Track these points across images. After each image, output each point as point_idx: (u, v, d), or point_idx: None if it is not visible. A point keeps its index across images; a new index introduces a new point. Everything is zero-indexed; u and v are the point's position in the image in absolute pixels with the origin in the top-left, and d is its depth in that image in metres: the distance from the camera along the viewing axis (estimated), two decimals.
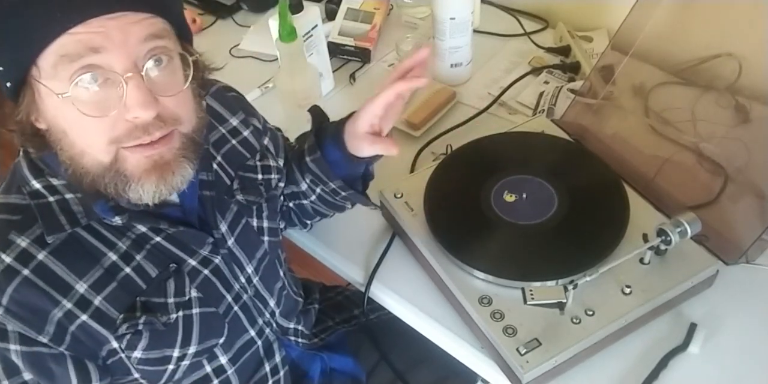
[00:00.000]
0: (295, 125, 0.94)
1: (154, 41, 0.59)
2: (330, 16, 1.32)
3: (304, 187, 0.88)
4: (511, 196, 0.86)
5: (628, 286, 0.77)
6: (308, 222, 0.95)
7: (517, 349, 0.74)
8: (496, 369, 0.79)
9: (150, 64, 0.59)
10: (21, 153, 0.68)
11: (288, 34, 1.00)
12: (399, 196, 0.91)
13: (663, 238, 0.77)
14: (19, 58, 0.57)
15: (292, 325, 0.90)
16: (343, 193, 0.85)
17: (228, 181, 0.79)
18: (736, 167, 0.83)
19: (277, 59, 1.15)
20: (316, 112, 0.88)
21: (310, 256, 0.99)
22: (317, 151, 0.84)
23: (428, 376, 1.01)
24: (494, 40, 1.27)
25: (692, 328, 0.80)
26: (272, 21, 1.06)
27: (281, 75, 1.07)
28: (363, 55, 1.25)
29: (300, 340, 0.93)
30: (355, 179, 0.86)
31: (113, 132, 0.59)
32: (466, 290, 0.80)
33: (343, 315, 1.03)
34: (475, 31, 1.18)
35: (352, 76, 1.22)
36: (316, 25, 1.10)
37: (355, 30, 1.25)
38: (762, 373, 0.76)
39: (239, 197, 0.80)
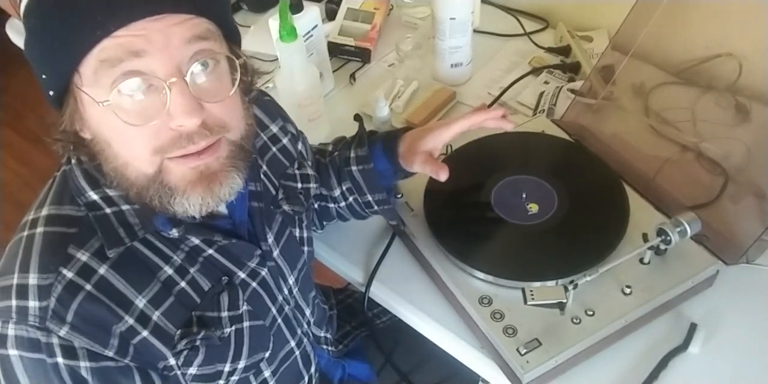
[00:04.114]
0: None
1: (199, 43, 0.56)
2: (330, 16, 1.32)
3: (336, 193, 0.88)
4: (533, 205, 0.85)
5: (628, 286, 0.77)
6: (325, 223, 0.95)
7: (517, 350, 0.74)
8: (497, 369, 0.79)
9: (195, 68, 0.56)
10: (73, 161, 0.65)
11: (288, 34, 1.00)
12: (399, 196, 0.91)
13: (663, 237, 0.77)
14: (61, 64, 0.55)
15: (323, 334, 0.90)
16: (377, 208, 0.85)
17: (273, 191, 0.78)
18: (736, 167, 0.83)
19: (277, 59, 1.15)
20: (362, 121, 0.87)
21: None
22: (370, 163, 0.82)
23: (431, 377, 1.01)
24: (494, 40, 1.26)
25: (692, 328, 0.79)
26: (272, 21, 1.06)
27: (281, 75, 1.06)
28: (363, 55, 1.25)
29: (330, 348, 0.92)
30: (389, 191, 0.86)
31: (157, 141, 0.56)
32: (466, 290, 0.80)
33: (358, 318, 1.03)
34: (475, 31, 1.18)
35: (352, 76, 1.22)
36: (316, 25, 1.10)
37: (355, 30, 1.25)
38: (762, 373, 0.76)
39: (285, 207, 0.78)
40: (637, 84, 0.93)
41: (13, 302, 0.59)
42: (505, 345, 0.74)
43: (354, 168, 0.84)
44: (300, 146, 0.86)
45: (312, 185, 0.85)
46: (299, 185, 0.83)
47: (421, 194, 0.89)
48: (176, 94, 0.55)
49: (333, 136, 0.95)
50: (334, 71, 1.21)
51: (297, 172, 0.83)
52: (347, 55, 1.26)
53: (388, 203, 0.85)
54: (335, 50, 1.24)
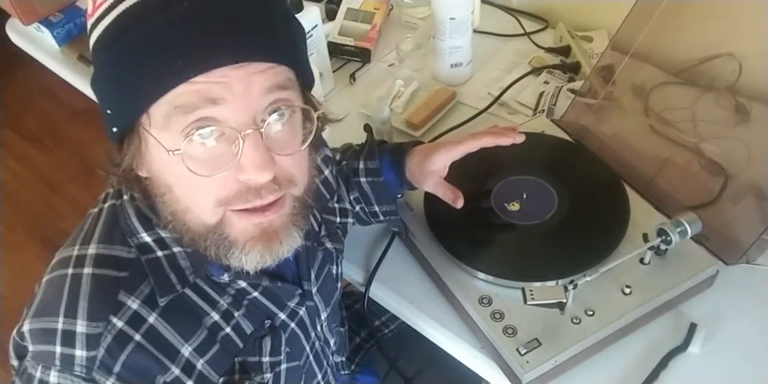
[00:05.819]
0: None
1: (278, 93, 0.53)
2: (330, 16, 1.31)
3: (345, 203, 0.86)
4: (515, 204, 0.85)
5: (628, 286, 0.77)
6: None
7: (517, 350, 0.74)
8: (497, 369, 0.79)
9: (271, 118, 0.53)
10: (125, 197, 0.62)
11: None
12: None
13: (663, 238, 0.77)
14: (131, 104, 0.52)
15: (340, 359, 0.89)
16: (383, 218, 0.84)
17: (317, 227, 0.76)
18: (736, 167, 0.83)
19: None
20: (371, 131, 0.86)
21: None
22: (380, 175, 0.81)
23: (435, 382, 1.00)
24: (494, 40, 1.26)
25: (692, 328, 0.80)
26: None
27: None
28: (363, 55, 1.25)
29: (345, 371, 0.92)
30: (393, 200, 0.85)
31: (222, 192, 0.53)
32: (466, 290, 0.80)
33: (365, 328, 1.02)
34: (475, 31, 1.18)
35: (352, 76, 1.22)
36: (316, 25, 1.10)
37: (355, 30, 1.25)
38: (762, 373, 0.76)
39: (328, 245, 0.77)
40: (637, 84, 0.93)
41: (58, 349, 0.56)
42: (505, 345, 0.74)
43: (363, 179, 0.83)
44: (335, 171, 0.83)
45: (349, 220, 0.84)
46: (338, 219, 0.82)
47: (421, 194, 0.89)
48: (249, 147, 0.51)
49: (333, 137, 0.95)
50: (334, 71, 1.21)
51: (336, 205, 0.82)
52: (347, 55, 1.26)
53: (396, 214, 0.84)
54: (335, 50, 1.24)
